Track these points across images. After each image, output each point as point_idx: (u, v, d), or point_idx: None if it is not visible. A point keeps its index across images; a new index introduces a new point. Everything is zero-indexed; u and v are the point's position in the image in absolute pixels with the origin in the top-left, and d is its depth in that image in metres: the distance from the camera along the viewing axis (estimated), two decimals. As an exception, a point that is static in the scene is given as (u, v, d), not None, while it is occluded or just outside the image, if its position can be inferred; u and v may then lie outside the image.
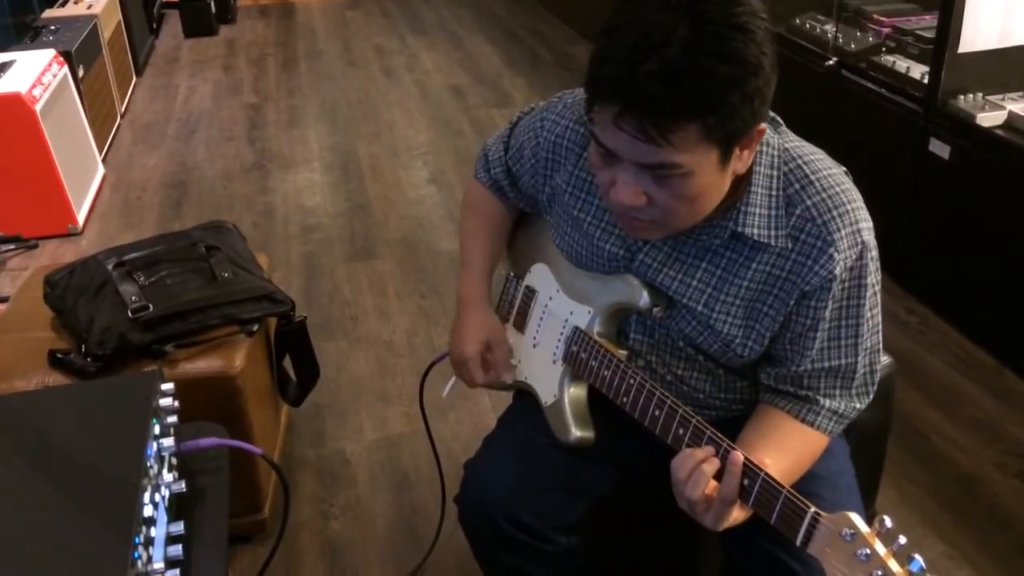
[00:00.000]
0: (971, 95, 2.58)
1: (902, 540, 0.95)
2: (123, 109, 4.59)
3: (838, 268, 1.16)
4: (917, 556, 0.94)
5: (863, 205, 1.20)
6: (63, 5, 4.46)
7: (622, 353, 1.31)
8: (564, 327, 1.38)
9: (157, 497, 1.12)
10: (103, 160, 3.97)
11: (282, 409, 2.27)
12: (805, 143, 1.24)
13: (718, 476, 1.11)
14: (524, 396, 1.48)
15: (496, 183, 1.52)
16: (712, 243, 1.22)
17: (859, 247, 1.17)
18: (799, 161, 1.19)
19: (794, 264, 1.18)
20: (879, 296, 1.24)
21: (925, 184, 2.71)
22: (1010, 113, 2.48)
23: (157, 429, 1.20)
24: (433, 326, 2.81)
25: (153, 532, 1.06)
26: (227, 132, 4.38)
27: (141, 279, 1.89)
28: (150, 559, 1.04)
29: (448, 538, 1.96)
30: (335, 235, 3.40)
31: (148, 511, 1.07)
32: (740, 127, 1.05)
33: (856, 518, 0.98)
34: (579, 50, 5.40)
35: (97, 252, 2.01)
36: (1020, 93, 2.58)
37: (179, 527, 1.14)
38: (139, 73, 5.15)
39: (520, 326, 1.49)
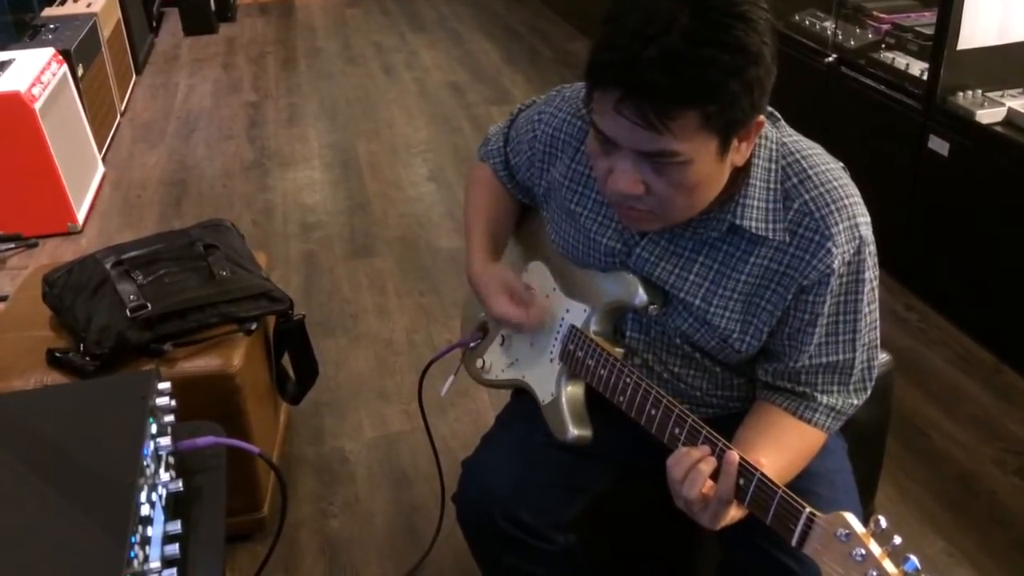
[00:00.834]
0: (970, 92, 2.57)
1: (897, 540, 0.95)
2: (123, 107, 4.59)
3: (836, 263, 1.16)
4: (912, 556, 0.94)
5: (861, 200, 1.20)
6: (62, 3, 4.46)
7: (618, 351, 1.31)
8: (561, 325, 1.38)
9: (154, 496, 1.12)
10: (103, 159, 3.97)
11: (281, 407, 2.27)
12: (803, 138, 1.24)
13: (714, 476, 1.11)
14: (522, 395, 1.48)
15: (496, 171, 1.52)
16: (709, 236, 1.22)
17: (857, 242, 1.17)
18: (797, 156, 1.19)
19: (792, 258, 1.18)
20: (877, 292, 1.24)
21: (924, 181, 2.71)
22: (1009, 110, 2.48)
23: (154, 428, 1.20)
24: (432, 324, 2.81)
25: (150, 531, 1.06)
26: (227, 130, 4.38)
27: (139, 278, 1.90)
28: (146, 558, 1.04)
29: (447, 536, 1.96)
30: (334, 233, 3.40)
31: (145, 510, 1.07)
32: (739, 116, 1.06)
33: (851, 518, 0.98)
34: (578, 47, 5.40)
35: (96, 251, 2.01)
36: (1019, 90, 2.57)
37: (176, 526, 1.14)
38: (139, 71, 5.15)
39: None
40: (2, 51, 3.54)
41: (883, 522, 0.96)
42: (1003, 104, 2.50)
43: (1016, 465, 2.19)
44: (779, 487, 1.06)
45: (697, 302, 1.24)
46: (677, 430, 1.18)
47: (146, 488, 1.10)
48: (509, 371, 1.49)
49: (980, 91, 2.57)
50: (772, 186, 1.18)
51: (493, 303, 1.41)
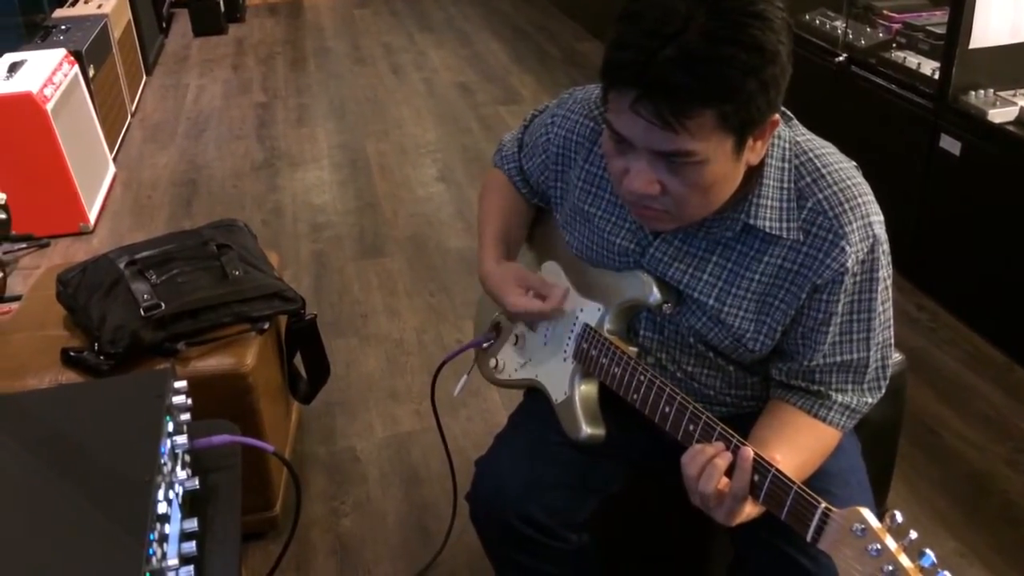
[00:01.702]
0: (982, 91, 2.57)
1: (913, 535, 0.95)
2: (133, 108, 4.61)
3: (850, 261, 1.17)
4: (928, 551, 0.94)
5: (874, 199, 1.20)
6: (73, 5, 4.48)
7: (632, 350, 1.31)
8: (575, 324, 1.38)
9: (171, 494, 1.12)
10: (114, 159, 3.99)
11: (293, 407, 2.28)
12: (816, 137, 1.24)
13: (729, 472, 1.11)
14: (535, 394, 1.48)
15: (510, 178, 1.53)
16: (723, 236, 1.22)
17: (870, 240, 1.17)
18: (810, 155, 1.20)
19: (806, 257, 1.18)
20: (891, 290, 1.24)
21: (936, 180, 2.70)
22: (1021, 109, 2.47)
23: (171, 427, 1.20)
24: (442, 323, 2.82)
25: (167, 529, 1.07)
26: (236, 131, 4.39)
27: (153, 277, 1.90)
28: (164, 555, 1.05)
29: (459, 535, 1.96)
30: (344, 233, 3.41)
31: (162, 508, 1.07)
32: (756, 115, 1.06)
33: (867, 513, 0.98)
34: (587, 47, 5.40)
35: (109, 251, 2.02)
36: (1031, 89, 2.57)
37: (193, 524, 1.14)
38: (149, 72, 5.17)
39: (531, 324, 1.49)
40: (14, 52, 3.56)
41: (899, 517, 0.96)
42: (1015, 103, 2.49)
43: (1028, 465, 2.19)
44: (794, 483, 1.06)
45: (711, 302, 1.24)
46: (691, 427, 1.18)
47: (163, 486, 1.10)
48: (522, 370, 1.50)
49: (992, 90, 2.56)
50: (785, 185, 1.19)
51: (510, 298, 1.39)
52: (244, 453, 1.33)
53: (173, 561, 1.05)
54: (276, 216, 3.54)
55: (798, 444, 1.22)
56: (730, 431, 1.14)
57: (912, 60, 2.80)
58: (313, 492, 2.19)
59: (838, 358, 1.24)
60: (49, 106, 3.20)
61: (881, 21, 3.09)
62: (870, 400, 1.28)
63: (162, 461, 1.13)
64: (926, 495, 2.11)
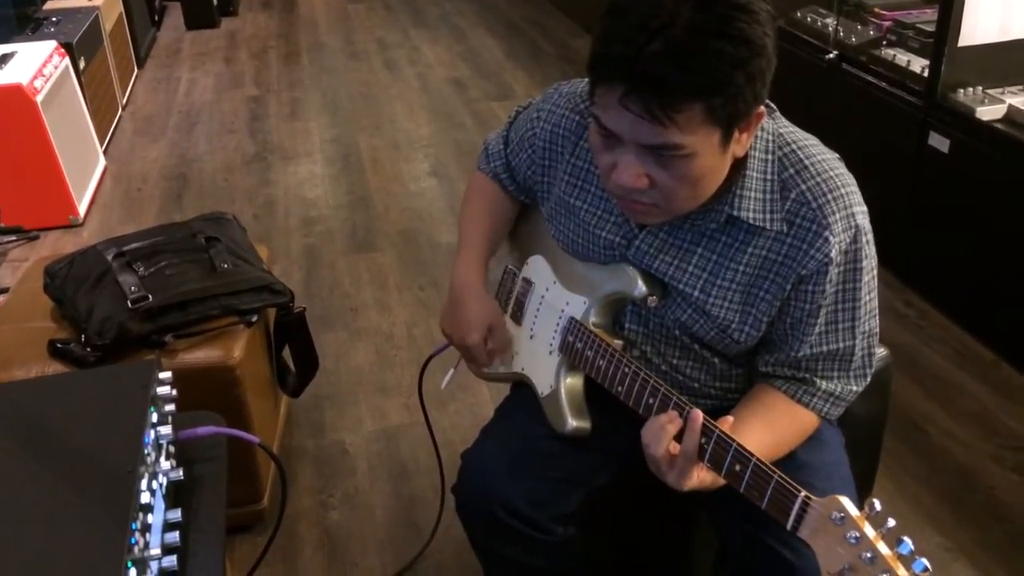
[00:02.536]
0: (971, 89, 2.58)
1: (891, 523, 0.96)
2: (124, 101, 4.60)
3: (833, 251, 1.17)
4: (906, 539, 0.95)
5: (857, 190, 1.20)
6: (64, -3, 4.46)
7: (617, 343, 1.31)
8: (560, 318, 1.39)
9: (154, 484, 1.12)
10: (104, 152, 3.97)
11: (281, 400, 2.28)
12: (798, 129, 1.25)
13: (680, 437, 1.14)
14: (522, 387, 1.49)
15: (496, 176, 1.53)
16: (708, 227, 1.23)
17: (853, 230, 1.18)
18: (794, 146, 1.20)
19: (790, 248, 1.19)
20: (875, 280, 1.25)
21: (924, 178, 2.71)
22: (1010, 107, 2.48)
23: (155, 417, 1.20)
24: (433, 318, 2.82)
25: (150, 519, 1.07)
26: (228, 124, 4.38)
27: (141, 269, 1.90)
28: (147, 544, 1.05)
29: (447, 529, 1.97)
30: (336, 227, 3.40)
31: (145, 498, 1.08)
32: (743, 108, 1.06)
33: (846, 501, 0.99)
34: (581, 43, 5.40)
35: (97, 243, 2.01)
36: (1020, 87, 2.58)
37: (176, 514, 1.14)
38: (140, 65, 5.15)
39: (517, 318, 1.50)
40: (4, 44, 3.54)
41: (877, 505, 0.97)
42: (1003, 101, 2.50)
43: (1013, 461, 2.20)
44: (775, 472, 1.06)
45: (696, 293, 1.25)
46: (675, 420, 1.19)
47: (147, 476, 1.11)
48: (509, 364, 1.50)
49: (981, 88, 2.57)
50: (769, 177, 1.19)
51: (473, 334, 1.45)
52: (232, 446, 1.34)
53: (156, 551, 1.05)
54: (268, 210, 3.54)
55: (771, 423, 1.24)
56: (713, 423, 1.15)
57: (902, 58, 2.81)
58: (301, 485, 2.19)
59: (824, 347, 1.24)
60: (39, 98, 3.19)
61: (871, 19, 3.10)
62: (855, 388, 1.29)
63: (146, 451, 1.13)
64: (912, 491, 2.12)
